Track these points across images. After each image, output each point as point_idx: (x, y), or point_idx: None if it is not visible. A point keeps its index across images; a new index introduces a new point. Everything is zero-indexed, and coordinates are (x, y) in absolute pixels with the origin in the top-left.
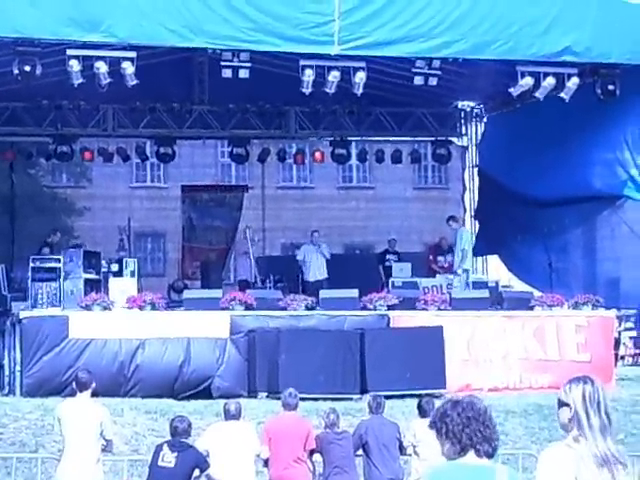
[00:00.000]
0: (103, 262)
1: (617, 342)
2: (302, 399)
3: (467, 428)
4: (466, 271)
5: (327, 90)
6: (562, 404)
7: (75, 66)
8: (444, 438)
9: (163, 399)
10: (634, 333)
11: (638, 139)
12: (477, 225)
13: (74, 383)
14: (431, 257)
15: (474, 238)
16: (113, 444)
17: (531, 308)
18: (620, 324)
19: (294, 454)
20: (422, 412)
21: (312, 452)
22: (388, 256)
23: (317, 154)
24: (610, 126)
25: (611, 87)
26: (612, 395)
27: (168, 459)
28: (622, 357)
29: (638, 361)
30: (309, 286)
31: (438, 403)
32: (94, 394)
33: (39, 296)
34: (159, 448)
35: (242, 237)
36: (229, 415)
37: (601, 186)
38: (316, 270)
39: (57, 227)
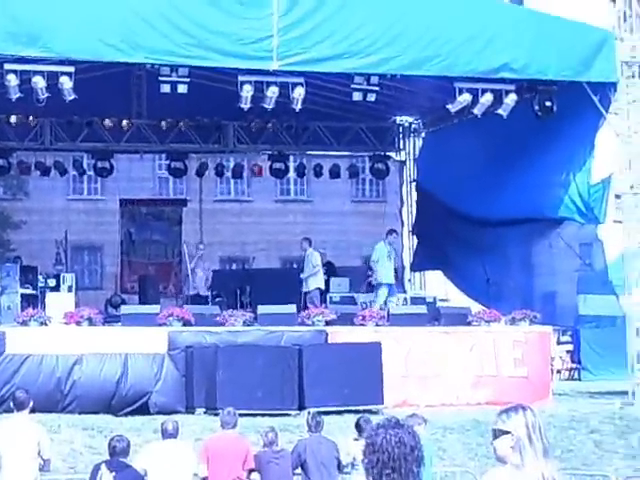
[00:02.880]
0: (40, 277)
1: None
2: (240, 415)
3: (374, 468)
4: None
5: (266, 105)
6: (501, 433)
7: (13, 80)
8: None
9: (100, 415)
10: (570, 347)
11: (578, 159)
12: (415, 240)
13: (11, 402)
14: (369, 271)
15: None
16: (50, 463)
17: (469, 324)
18: (558, 338)
19: (233, 473)
20: (360, 431)
21: (251, 471)
22: None
23: (255, 168)
24: (549, 146)
25: (548, 104)
26: (549, 411)
27: (106, 479)
28: (559, 371)
29: (574, 375)
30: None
31: (375, 420)
32: (31, 410)
33: None
34: (97, 468)
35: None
36: (167, 434)
37: (540, 207)
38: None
39: None
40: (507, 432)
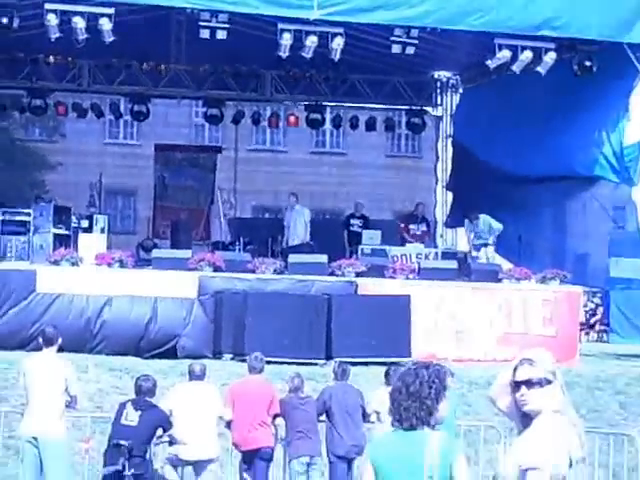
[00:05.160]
0: (73, 218)
1: (593, 317)
2: (267, 362)
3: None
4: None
5: (304, 55)
6: (546, 382)
7: (52, 20)
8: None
9: (128, 357)
10: (600, 309)
11: (613, 118)
12: (449, 196)
13: (40, 338)
14: (403, 225)
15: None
16: (77, 400)
17: (499, 281)
18: (588, 300)
19: (258, 418)
20: (389, 380)
21: (275, 416)
22: (352, 221)
23: (291, 118)
24: (585, 105)
25: (588, 63)
26: (576, 371)
27: (131, 417)
28: (587, 333)
29: (603, 338)
30: (290, 250)
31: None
32: (59, 349)
33: (7, 249)
34: (122, 406)
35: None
36: (193, 376)
37: (575, 166)
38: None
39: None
40: (550, 381)
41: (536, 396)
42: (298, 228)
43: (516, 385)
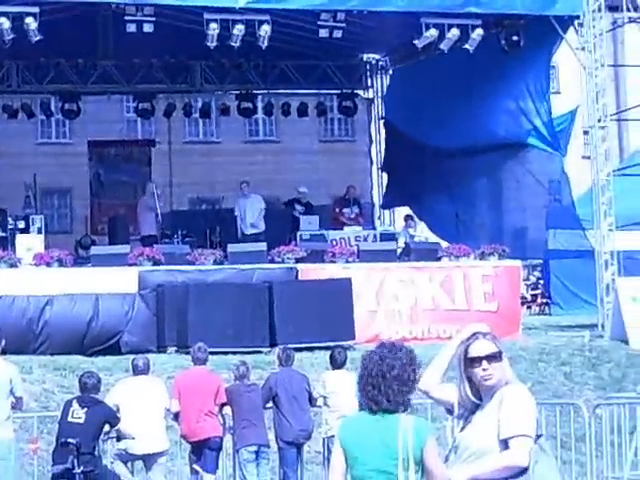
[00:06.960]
0: (9, 219)
1: (534, 290)
2: (212, 353)
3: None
4: None
5: (232, 44)
6: (502, 354)
7: None
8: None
9: (72, 355)
10: (541, 283)
11: (541, 89)
12: (385, 177)
13: None
14: (337, 209)
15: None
16: (23, 401)
17: (439, 259)
18: (529, 274)
19: (205, 408)
20: (334, 363)
21: (223, 405)
22: (297, 206)
23: (223, 107)
24: (513, 76)
25: (515, 38)
26: (519, 344)
27: (78, 415)
28: (529, 307)
29: (545, 310)
30: (246, 239)
31: (350, 354)
32: (3, 352)
33: None
34: (68, 404)
35: (147, 192)
36: (138, 370)
37: (505, 134)
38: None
39: None
40: (502, 353)
41: (498, 369)
42: (253, 216)
43: (473, 361)
